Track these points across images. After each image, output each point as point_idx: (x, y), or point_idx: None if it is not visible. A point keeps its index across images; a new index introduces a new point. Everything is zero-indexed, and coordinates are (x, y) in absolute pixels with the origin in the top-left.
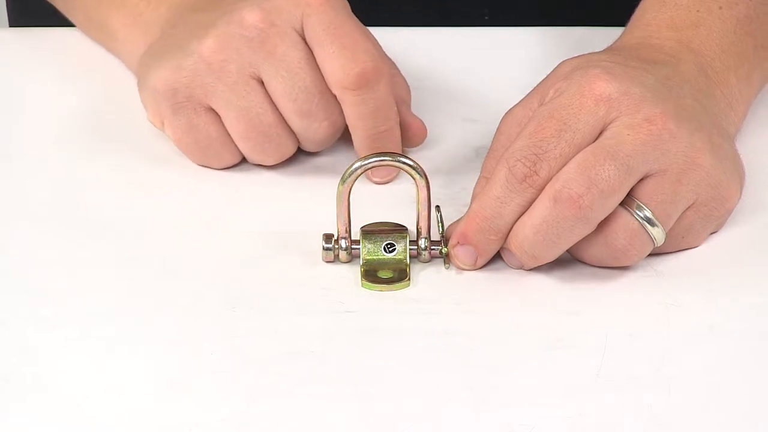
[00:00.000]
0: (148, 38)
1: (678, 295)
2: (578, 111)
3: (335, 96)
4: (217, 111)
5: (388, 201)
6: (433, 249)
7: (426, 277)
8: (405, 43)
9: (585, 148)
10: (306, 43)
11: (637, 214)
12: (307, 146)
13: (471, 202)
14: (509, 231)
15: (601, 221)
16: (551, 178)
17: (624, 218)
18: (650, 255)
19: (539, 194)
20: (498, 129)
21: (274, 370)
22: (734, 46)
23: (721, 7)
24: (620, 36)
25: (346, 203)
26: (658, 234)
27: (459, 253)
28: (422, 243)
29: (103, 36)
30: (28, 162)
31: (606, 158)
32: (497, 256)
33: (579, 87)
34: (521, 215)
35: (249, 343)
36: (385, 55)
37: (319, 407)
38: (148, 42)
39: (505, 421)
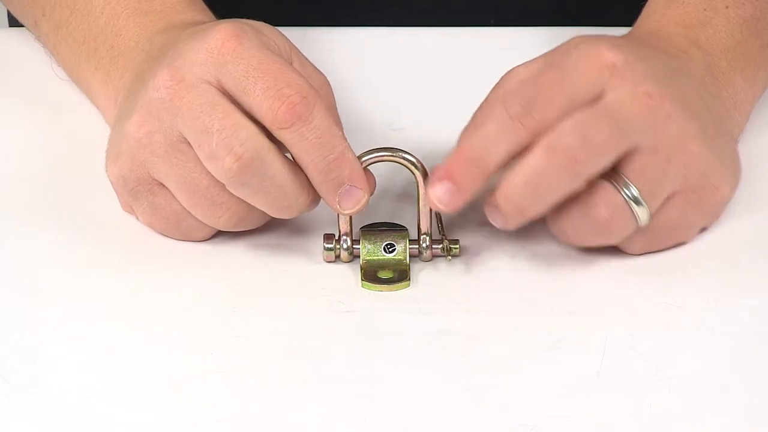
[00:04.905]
0: (116, 107)
1: (678, 295)
2: (583, 69)
3: (240, 131)
4: (164, 185)
5: (389, 202)
6: (435, 247)
7: (426, 277)
8: (406, 44)
9: (582, 106)
10: (218, 90)
11: (622, 190)
12: (247, 198)
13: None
14: (492, 171)
15: (585, 193)
16: (543, 125)
17: (607, 190)
18: (650, 255)
19: (529, 139)
20: (496, 83)
21: (274, 370)
22: (741, 46)
23: (727, 7)
24: (629, 31)
25: None
26: (642, 213)
27: (438, 189)
28: (423, 242)
29: (87, 92)
30: (27, 160)
31: (604, 118)
32: (497, 257)
33: (587, 52)
34: (508, 158)
35: (249, 343)
36: (318, 75)
37: (319, 407)
38: (116, 110)
39: (505, 421)
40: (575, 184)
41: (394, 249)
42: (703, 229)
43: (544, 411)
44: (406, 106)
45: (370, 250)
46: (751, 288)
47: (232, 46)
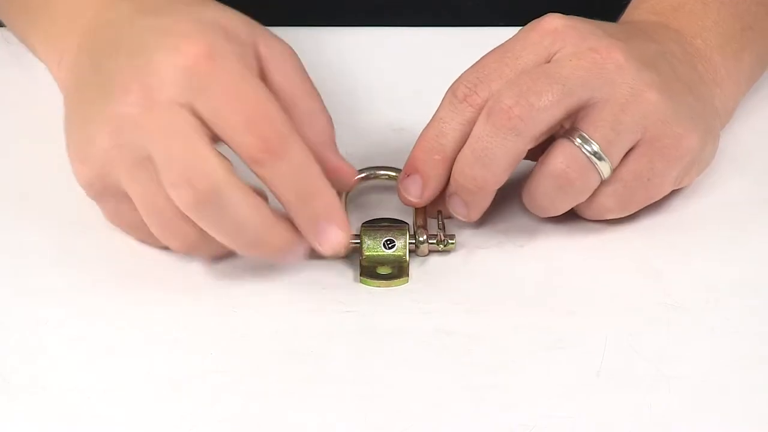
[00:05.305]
0: (62, 67)
1: (678, 295)
2: (524, 42)
3: (202, 163)
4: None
5: (393, 196)
6: (431, 242)
7: (426, 276)
8: (406, 43)
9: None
10: (189, 114)
11: (578, 143)
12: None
13: None
14: (451, 155)
15: (546, 153)
16: (488, 99)
17: (565, 145)
18: (650, 255)
19: (478, 114)
20: None
21: (274, 370)
22: (718, 26)
23: None
24: None
25: (343, 198)
26: (603, 166)
27: (407, 184)
28: (420, 236)
29: (30, 48)
30: (27, 160)
31: (541, 76)
32: (497, 256)
33: (530, 26)
34: (462, 137)
35: (249, 343)
36: (306, 89)
37: (318, 407)
38: (63, 69)
39: (505, 421)
40: (518, 142)
41: (394, 245)
42: (678, 189)
43: (544, 411)
44: (407, 106)
45: (370, 246)
46: (751, 288)
47: (206, 68)
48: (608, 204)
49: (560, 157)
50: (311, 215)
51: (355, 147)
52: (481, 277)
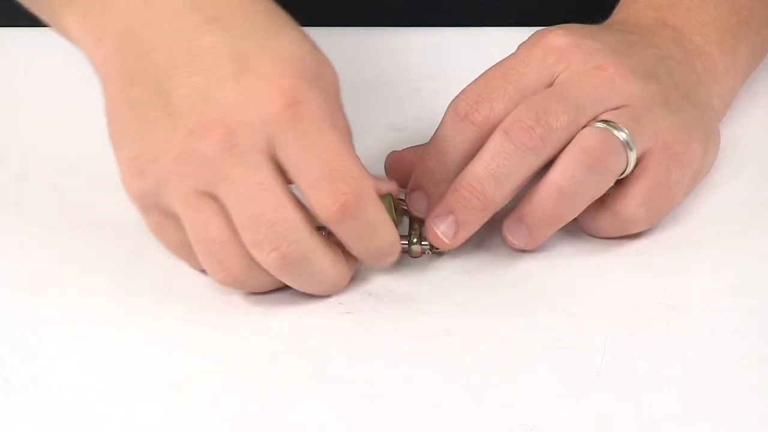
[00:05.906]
0: (103, 47)
1: (678, 295)
2: (527, 59)
3: (290, 230)
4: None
5: None
6: (423, 244)
7: (425, 276)
8: (406, 43)
9: (532, 93)
10: (273, 162)
11: (601, 125)
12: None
13: None
14: (453, 174)
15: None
16: (491, 118)
17: (591, 127)
18: (650, 255)
19: (480, 133)
20: None
21: (274, 370)
22: (715, 21)
23: None
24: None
25: None
26: (630, 155)
27: (413, 200)
28: (413, 237)
29: (60, 30)
30: (27, 161)
31: (554, 98)
32: (496, 256)
33: (532, 41)
34: (464, 157)
35: (249, 343)
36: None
37: (318, 407)
38: (103, 50)
39: (505, 421)
40: (536, 163)
41: None
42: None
43: (544, 411)
44: (406, 106)
45: None
46: (751, 288)
47: (290, 116)
48: (639, 215)
49: (592, 135)
50: (379, 258)
51: (355, 147)
52: (480, 277)
